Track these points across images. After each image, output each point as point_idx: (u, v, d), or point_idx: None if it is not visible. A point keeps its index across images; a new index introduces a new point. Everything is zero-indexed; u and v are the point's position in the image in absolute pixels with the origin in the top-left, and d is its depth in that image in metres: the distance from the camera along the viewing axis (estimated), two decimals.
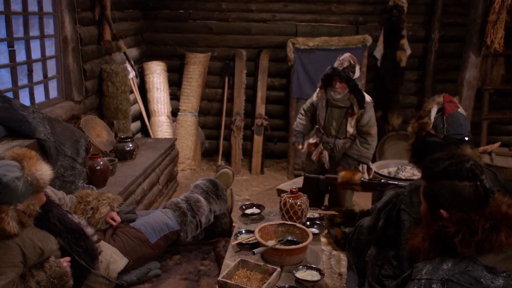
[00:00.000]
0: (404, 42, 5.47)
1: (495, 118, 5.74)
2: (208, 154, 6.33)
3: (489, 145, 4.85)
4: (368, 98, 3.73)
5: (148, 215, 2.85)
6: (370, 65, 5.69)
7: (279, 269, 2.11)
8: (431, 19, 5.75)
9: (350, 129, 3.72)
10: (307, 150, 4.00)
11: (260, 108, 5.94)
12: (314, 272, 2.14)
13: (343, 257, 2.79)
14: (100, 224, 2.61)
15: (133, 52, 5.64)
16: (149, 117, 5.77)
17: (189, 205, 2.89)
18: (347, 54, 3.68)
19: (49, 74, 4.02)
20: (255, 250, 2.20)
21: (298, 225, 2.45)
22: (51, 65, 4.07)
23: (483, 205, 1.56)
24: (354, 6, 5.88)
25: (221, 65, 6.11)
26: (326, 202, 4.14)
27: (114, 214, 2.69)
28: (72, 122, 3.98)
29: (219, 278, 2.04)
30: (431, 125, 2.25)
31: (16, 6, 3.58)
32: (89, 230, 2.34)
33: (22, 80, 3.74)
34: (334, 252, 2.88)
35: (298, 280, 2.08)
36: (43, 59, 3.94)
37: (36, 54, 3.85)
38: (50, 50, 4.05)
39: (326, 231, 2.97)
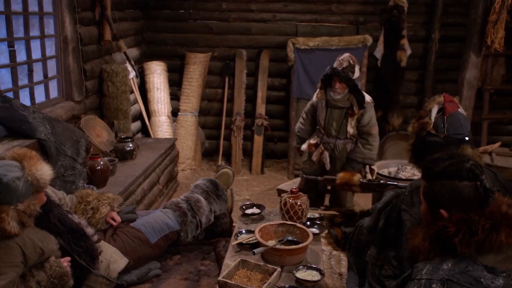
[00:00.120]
0: (405, 42, 5.47)
1: (496, 118, 5.74)
2: (208, 154, 6.33)
3: (489, 145, 4.84)
4: (368, 98, 3.72)
5: (148, 215, 2.85)
6: (371, 65, 5.69)
7: (279, 269, 2.11)
8: (432, 19, 5.75)
9: (351, 130, 3.71)
10: (308, 150, 4.00)
11: (261, 108, 5.94)
12: (315, 272, 2.14)
13: (343, 257, 2.79)
14: (100, 224, 2.62)
15: (133, 52, 5.64)
16: (149, 117, 5.77)
17: (189, 205, 2.89)
18: (346, 54, 3.68)
19: (50, 74, 4.03)
20: (256, 250, 2.20)
21: (298, 225, 2.45)
22: (52, 65, 4.07)
23: (483, 205, 1.56)
24: (354, 6, 5.88)
25: (221, 65, 6.11)
26: (326, 202, 4.14)
27: (114, 214, 2.69)
28: (73, 122, 3.98)
29: (219, 278, 2.04)
30: (432, 125, 2.25)
31: (16, 6, 3.58)
32: (89, 230, 2.34)
33: (23, 80, 3.74)
34: (334, 252, 2.88)
35: (298, 280, 2.08)
36: (44, 59, 3.94)
37: (36, 54, 3.85)
38: (51, 50, 4.05)
39: (326, 231, 2.97)
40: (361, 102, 3.63)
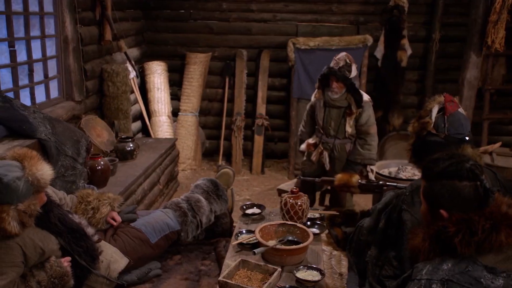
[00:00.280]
0: (405, 42, 5.47)
1: (496, 118, 5.73)
2: (208, 154, 6.33)
3: (490, 145, 4.84)
4: (366, 97, 3.72)
5: (148, 215, 2.85)
6: (371, 65, 5.69)
7: (279, 269, 2.11)
8: (432, 19, 5.74)
9: (349, 129, 3.71)
10: (307, 150, 4.00)
11: (261, 108, 5.94)
12: (315, 272, 2.14)
13: (343, 257, 2.79)
14: (100, 224, 2.62)
15: (133, 52, 5.64)
16: (149, 117, 5.77)
17: (190, 205, 2.89)
18: (343, 54, 3.68)
19: (50, 74, 4.03)
20: (256, 250, 2.20)
21: (298, 225, 2.45)
22: (52, 65, 4.07)
23: (483, 205, 1.55)
24: (355, 6, 5.87)
25: (221, 65, 6.11)
26: (326, 202, 4.13)
27: (115, 214, 2.69)
28: (73, 122, 3.98)
29: (220, 278, 2.04)
30: (432, 125, 2.25)
31: (17, 6, 3.59)
32: (90, 230, 2.34)
33: (23, 80, 3.74)
34: (335, 252, 2.88)
35: (298, 280, 2.08)
36: (44, 59, 3.94)
37: (36, 54, 3.85)
38: (51, 50, 4.05)
39: (326, 231, 2.96)
40: (358, 101, 3.62)
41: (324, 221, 2.85)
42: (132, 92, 5.37)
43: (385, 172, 4.32)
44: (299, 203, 2.53)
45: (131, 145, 4.16)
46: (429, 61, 5.84)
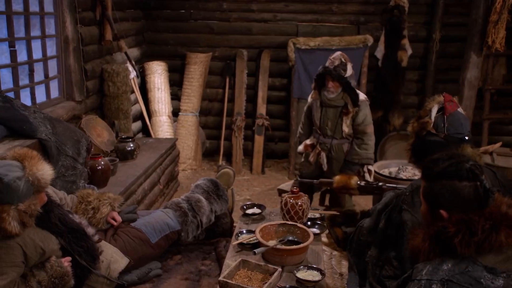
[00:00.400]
0: (405, 42, 5.47)
1: (496, 118, 5.73)
2: (209, 154, 6.33)
3: (490, 145, 4.84)
4: (362, 96, 3.72)
5: (149, 215, 2.85)
6: (371, 65, 5.69)
7: (280, 269, 2.11)
8: (432, 19, 5.74)
9: (346, 129, 3.70)
10: (304, 151, 3.99)
11: (261, 108, 5.94)
12: (315, 272, 2.14)
13: (343, 257, 2.79)
14: (101, 224, 2.62)
15: (134, 52, 5.64)
16: (150, 117, 5.77)
17: (190, 205, 2.89)
18: (338, 53, 3.68)
19: (50, 74, 4.03)
20: (256, 250, 2.20)
21: (299, 225, 2.45)
22: (52, 65, 4.07)
23: (483, 205, 1.55)
24: (355, 6, 5.87)
25: (222, 65, 6.11)
26: (327, 202, 4.13)
27: (115, 214, 2.69)
28: (73, 122, 3.98)
29: (220, 278, 2.05)
30: (432, 125, 2.25)
31: (17, 6, 3.59)
32: (90, 230, 2.34)
33: (23, 80, 3.75)
34: (335, 252, 2.88)
35: (299, 280, 2.08)
36: (44, 59, 3.94)
37: (37, 54, 3.85)
38: (51, 50, 4.05)
39: (327, 231, 2.97)
40: (355, 100, 3.62)
41: (324, 221, 2.85)
42: (133, 92, 5.37)
43: (385, 172, 4.32)
44: (299, 203, 2.53)
45: (131, 145, 4.16)
46: (429, 61, 5.84)
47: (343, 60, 3.59)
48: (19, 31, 3.63)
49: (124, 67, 4.88)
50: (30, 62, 3.75)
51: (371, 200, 4.35)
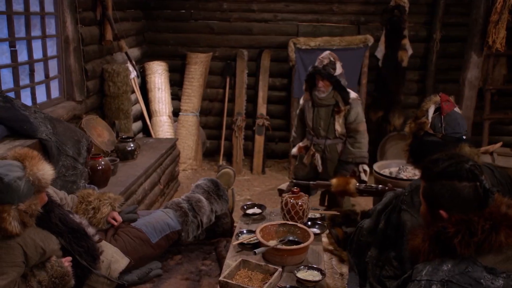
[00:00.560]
0: (406, 42, 5.47)
1: (497, 118, 5.73)
2: (209, 154, 6.33)
3: (490, 145, 4.84)
4: (353, 94, 3.72)
5: (149, 215, 2.85)
6: (372, 65, 5.69)
7: (280, 269, 2.11)
8: (433, 19, 5.74)
9: (339, 128, 3.70)
10: (298, 154, 3.99)
11: (262, 108, 5.94)
12: (316, 272, 2.14)
13: (344, 257, 2.79)
14: (101, 224, 2.62)
15: (134, 52, 5.65)
16: (150, 117, 5.78)
17: (191, 205, 2.89)
18: (326, 52, 3.70)
19: (51, 74, 4.03)
20: (257, 250, 2.20)
21: (299, 225, 2.45)
22: (53, 65, 4.07)
23: (483, 205, 1.55)
24: (355, 6, 5.87)
25: (222, 65, 6.11)
26: (327, 203, 4.13)
27: (116, 214, 2.69)
28: (74, 122, 3.98)
29: (220, 278, 2.05)
30: (429, 125, 2.25)
31: (17, 6, 3.59)
32: (91, 230, 2.34)
33: (24, 80, 3.75)
34: (336, 252, 2.88)
35: (299, 280, 2.08)
36: (45, 59, 3.95)
37: (37, 54, 3.86)
38: (52, 50, 4.05)
39: (327, 231, 2.96)
40: (345, 98, 3.63)
41: (324, 221, 2.85)
42: (133, 92, 5.37)
43: (385, 172, 4.31)
44: (299, 203, 2.53)
45: (131, 145, 4.16)
46: (430, 61, 5.84)
47: (332, 59, 3.61)
48: (20, 31, 3.64)
49: (124, 67, 4.88)
50: (31, 62, 3.75)
51: (371, 200, 4.35)
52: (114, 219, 2.67)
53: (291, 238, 2.39)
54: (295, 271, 2.13)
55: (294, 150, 4.02)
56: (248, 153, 6.10)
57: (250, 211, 2.83)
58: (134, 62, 5.27)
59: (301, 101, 3.94)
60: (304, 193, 2.62)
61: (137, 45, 5.85)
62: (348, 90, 3.70)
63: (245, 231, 2.54)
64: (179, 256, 2.90)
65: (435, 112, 2.28)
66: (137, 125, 5.71)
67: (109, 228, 2.67)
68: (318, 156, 3.81)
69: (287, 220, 2.52)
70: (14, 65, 3.53)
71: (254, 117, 5.98)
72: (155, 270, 2.67)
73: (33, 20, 3.76)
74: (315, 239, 2.37)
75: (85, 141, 3.15)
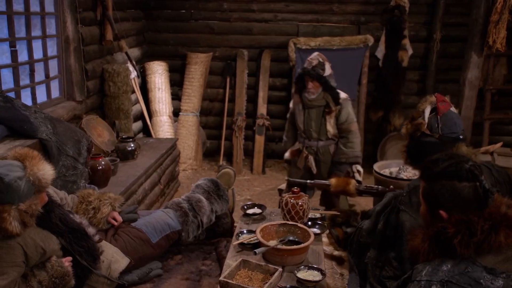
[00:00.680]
0: (406, 42, 5.47)
1: (497, 118, 5.73)
2: (209, 154, 6.33)
3: (491, 145, 4.84)
4: (343, 94, 3.72)
5: (149, 215, 2.85)
6: (372, 65, 5.69)
7: (280, 269, 2.11)
8: (433, 19, 5.74)
9: (331, 129, 3.70)
10: (291, 158, 3.98)
11: (262, 108, 5.94)
12: (316, 272, 2.14)
13: (344, 257, 2.79)
14: (101, 224, 2.61)
15: (134, 52, 5.65)
16: (150, 117, 5.78)
17: (191, 205, 2.89)
18: (315, 53, 3.72)
19: (51, 74, 4.03)
20: (257, 250, 2.20)
21: (299, 225, 2.45)
22: (53, 65, 4.08)
23: (483, 205, 1.55)
24: (355, 6, 5.87)
25: (222, 65, 6.11)
26: (321, 203, 4.11)
27: (116, 214, 2.69)
28: (74, 122, 3.98)
29: (221, 278, 2.05)
30: (426, 125, 2.25)
31: (18, 6, 3.59)
32: (91, 230, 2.34)
33: (24, 80, 3.75)
34: (336, 252, 2.88)
35: (299, 280, 2.08)
36: (45, 59, 3.95)
37: (38, 54, 3.86)
38: (52, 50, 4.06)
39: (327, 231, 2.96)
40: (336, 98, 3.63)
41: (325, 221, 2.85)
42: (133, 92, 5.38)
43: (386, 172, 4.31)
44: (300, 203, 2.52)
45: (132, 145, 4.16)
46: (430, 61, 5.84)
47: (320, 60, 3.62)
48: (20, 31, 3.64)
49: (124, 67, 4.88)
50: (31, 62, 3.75)
51: (371, 200, 4.35)
52: (114, 219, 2.67)
53: (291, 238, 2.39)
54: (295, 271, 2.13)
55: (287, 155, 4.02)
56: (248, 153, 6.10)
57: (250, 211, 2.83)
58: (134, 62, 5.28)
59: (291, 105, 3.94)
60: (304, 193, 2.62)
61: (137, 45, 5.85)
62: (338, 90, 3.69)
63: (245, 231, 2.54)
64: (179, 256, 2.90)
65: (431, 112, 2.28)
66: (137, 125, 5.71)
67: (109, 228, 2.66)
68: (311, 158, 3.80)
69: (287, 220, 2.52)
70: (15, 65, 3.53)
71: (254, 117, 5.98)
72: (155, 270, 2.67)
73: (33, 20, 3.76)
74: (315, 239, 2.37)
75: (85, 141, 3.16)
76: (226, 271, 2.09)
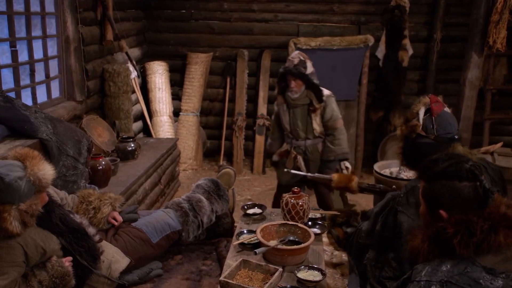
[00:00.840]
0: (406, 42, 5.46)
1: (498, 118, 5.72)
2: (209, 154, 6.33)
3: (491, 145, 4.83)
4: (326, 91, 3.70)
5: (150, 215, 2.85)
6: (372, 65, 5.69)
7: (281, 269, 2.11)
8: (433, 19, 5.74)
9: (317, 127, 3.69)
10: (280, 159, 3.97)
11: (262, 108, 5.94)
12: (316, 272, 2.14)
13: (344, 257, 2.79)
14: (102, 224, 2.62)
15: (135, 52, 5.65)
16: (151, 117, 5.78)
17: (191, 205, 2.89)
18: (296, 52, 3.72)
19: (51, 74, 4.03)
20: (257, 250, 2.20)
21: (300, 225, 2.45)
22: (53, 65, 4.08)
23: (483, 205, 1.55)
24: (356, 6, 5.87)
25: (223, 65, 6.11)
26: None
27: (116, 214, 2.69)
28: (74, 122, 3.98)
29: (221, 278, 2.05)
30: (421, 127, 2.25)
31: (18, 6, 3.59)
32: (91, 230, 2.34)
33: (24, 80, 3.75)
34: (336, 252, 2.88)
35: (300, 280, 2.08)
36: (45, 59, 3.95)
37: (38, 54, 3.86)
38: (52, 50, 4.06)
39: (327, 231, 2.97)
40: (319, 96, 3.62)
41: (325, 221, 2.85)
42: (133, 92, 5.38)
43: (386, 172, 4.31)
44: (300, 203, 2.53)
45: (132, 145, 4.16)
46: (430, 61, 5.84)
47: (302, 58, 3.61)
48: (20, 31, 3.64)
49: (125, 67, 4.88)
50: (31, 62, 3.76)
51: (371, 200, 4.35)
52: (115, 219, 2.67)
53: (291, 238, 2.39)
54: (296, 271, 2.13)
55: (275, 157, 4.01)
56: (249, 153, 6.10)
57: (250, 211, 2.83)
58: (134, 62, 5.28)
59: (275, 107, 3.93)
60: (304, 193, 2.62)
61: (138, 45, 5.85)
62: (321, 88, 3.69)
63: (245, 231, 2.54)
64: (179, 256, 2.90)
65: (425, 113, 2.28)
66: (137, 125, 5.71)
67: (109, 228, 2.67)
68: (300, 159, 3.78)
69: (288, 220, 2.52)
70: (15, 65, 3.53)
71: (255, 117, 5.98)
72: (155, 270, 2.67)
73: (33, 20, 3.77)
74: (315, 239, 2.37)
75: (85, 141, 3.16)
76: (226, 271, 2.09)
